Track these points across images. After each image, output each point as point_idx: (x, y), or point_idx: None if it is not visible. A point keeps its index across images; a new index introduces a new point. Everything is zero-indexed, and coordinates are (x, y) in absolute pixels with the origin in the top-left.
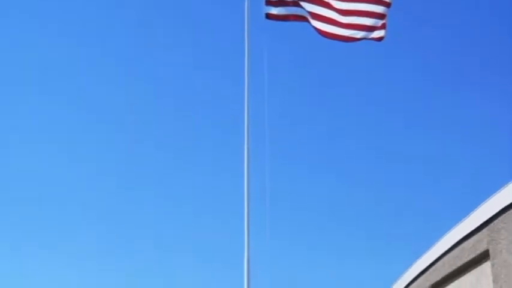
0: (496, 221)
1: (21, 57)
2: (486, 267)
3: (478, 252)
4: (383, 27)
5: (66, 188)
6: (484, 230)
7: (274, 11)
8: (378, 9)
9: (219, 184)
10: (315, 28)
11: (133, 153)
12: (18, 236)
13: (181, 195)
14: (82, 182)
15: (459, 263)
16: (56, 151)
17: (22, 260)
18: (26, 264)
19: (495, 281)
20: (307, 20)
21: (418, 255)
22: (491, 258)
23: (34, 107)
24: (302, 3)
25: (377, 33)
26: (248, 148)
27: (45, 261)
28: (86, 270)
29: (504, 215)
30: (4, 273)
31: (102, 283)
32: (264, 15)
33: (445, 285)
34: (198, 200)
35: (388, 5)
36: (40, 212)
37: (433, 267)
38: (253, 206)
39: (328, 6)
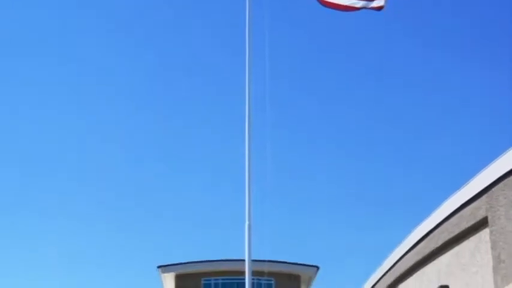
0: (494, 189)
1: None
2: (485, 234)
3: (477, 219)
4: None
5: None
6: (483, 198)
7: None
8: None
9: (221, 152)
10: None
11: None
12: (18, 200)
13: (184, 159)
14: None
15: (458, 230)
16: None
17: (23, 224)
18: (27, 228)
19: (493, 247)
20: None
21: (417, 222)
22: (489, 225)
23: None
24: None
25: (376, 3)
26: (250, 116)
27: (46, 225)
28: (88, 233)
29: (502, 182)
30: (6, 236)
31: (103, 247)
32: None
33: (444, 252)
34: (200, 166)
35: None
36: (41, 177)
37: (432, 234)
38: (255, 173)
39: None
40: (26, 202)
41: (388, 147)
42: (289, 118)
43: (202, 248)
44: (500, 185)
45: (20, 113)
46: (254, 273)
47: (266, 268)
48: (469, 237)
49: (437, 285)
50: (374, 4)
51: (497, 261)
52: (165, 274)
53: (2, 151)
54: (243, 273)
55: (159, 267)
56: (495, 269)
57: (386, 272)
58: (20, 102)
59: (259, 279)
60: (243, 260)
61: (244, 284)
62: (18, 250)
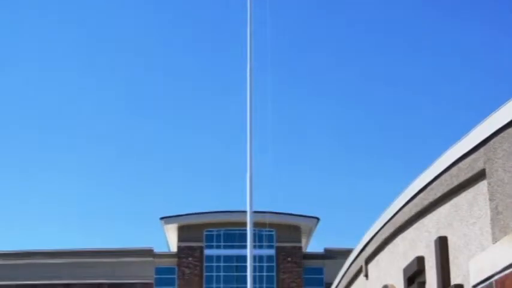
0: (492, 141)
1: None
2: (482, 185)
3: (475, 171)
4: None
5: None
6: (481, 150)
7: None
8: None
9: (223, 105)
10: None
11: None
12: (23, 156)
13: (185, 113)
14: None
15: (456, 182)
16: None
17: (28, 177)
18: (32, 182)
19: (491, 199)
20: None
21: (416, 174)
22: (487, 177)
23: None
24: None
25: None
26: (251, 69)
27: (49, 179)
28: (88, 186)
29: (500, 135)
30: (13, 191)
31: (103, 199)
32: None
33: (443, 204)
34: (202, 119)
35: None
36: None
37: (431, 186)
38: (256, 126)
39: None
40: (36, 159)
41: (387, 100)
42: (291, 71)
43: (205, 200)
44: (498, 137)
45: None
46: (255, 225)
47: (267, 219)
48: (467, 189)
49: (436, 236)
50: None
51: (495, 212)
52: (168, 225)
53: (18, 112)
54: (244, 224)
55: (162, 218)
56: (493, 221)
57: (386, 223)
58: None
59: (261, 231)
60: (245, 212)
61: (245, 235)
62: (28, 202)
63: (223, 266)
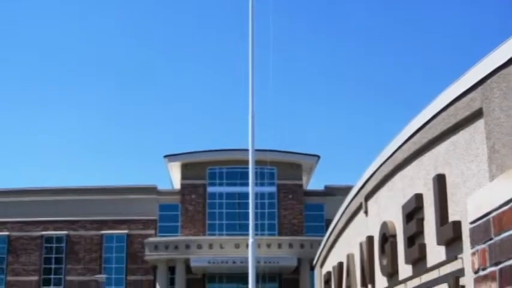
0: (489, 81)
1: None
2: (480, 124)
3: (472, 110)
4: None
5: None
6: (478, 89)
7: None
8: None
9: (225, 43)
10: None
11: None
12: (23, 90)
13: (188, 50)
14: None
15: (454, 120)
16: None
17: (31, 114)
18: (34, 118)
19: (488, 137)
20: None
21: (415, 113)
22: (484, 116)
23: None
24: None
25: None
26: (253, 6)
27: (51, 116)
28: (91, 124)
29: (497, 75)
30: (15, 128)
31: (102, 131)
32: None
33: (441, 142)
34: (205, 58)
35: None
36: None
37: (429, 125)
38: (258, 65)
39: None
40: (40, 93)
41: (388, 39)
42: (292, 8)
43: (208, 138)
44: (495, 77)
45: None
46: (257, 162)
47: (269, 157)
48: (464, 128)
49: (434, 174)
50: None
51: (492, 151)
52: (172, 163)
53: (19, 44)
54: (246, 162)
55: (165, 156)
56: (490, 159)
57: (385, 161)
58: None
59: (262, 168)
60: (247, 150)
61: (247, 172)
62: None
63: (226, 202)
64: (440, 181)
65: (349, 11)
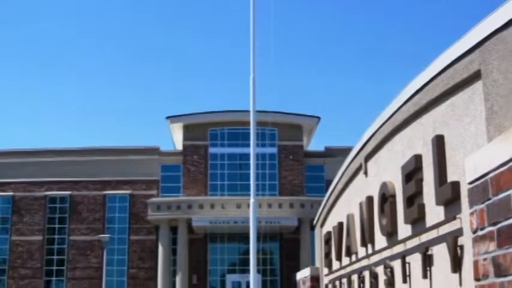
0: (487, 43)
1: None
2: (478, 86)
3: (470, 72)
4: None
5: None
6: (476, 52)
7: None
8: None
9: (227, 6)
10: None
11: None
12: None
13: (191, 15)
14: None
15: (453, 82)
16: None
17: (26, 77)
18: (30, 81)
19: (486, 99)
20: None
21: (414, 75)
22: (482, 78)
23: None
24: None
25: None
26: None
27: (55, 77)
28: (95, 86)
29: (495, 37)
30: (18, 90)
31: (101, 98)
32: None
33: (440, 103)
34: (206, 20)
35: None
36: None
37: (428, 86)
38: (259, 27)
39: None
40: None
41: (387, 3)
42: None
43: (210, 100)
44: (493, 39)
45: None
46: (258, 124)
47: (270, 118)
48: (463, 90)
49: (433, 135)
50: None
51: (490, 112)
52: (174, 124)
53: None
54: (247, 123)
55: (168, 117)
56: (488, 120)
57: (385, 122)
58: None
59: (263, 129)
60: (248, 111)
61: (248, 133)
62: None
63: (227, 163)
64: (439, 142)
65: None
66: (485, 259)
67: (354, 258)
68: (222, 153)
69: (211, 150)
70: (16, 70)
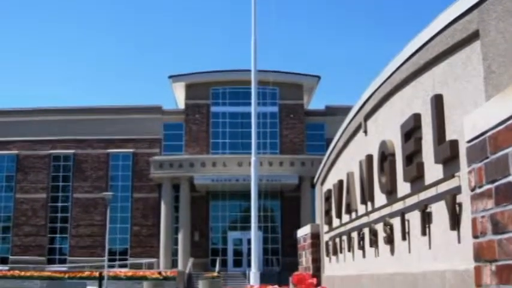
0: (485, 3)
1: None
2: (476, 46)
3: (469, 32)
4: None
5: None
6: (474, 12)
7: None
8: None
9: None
10: None
11: None
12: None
13: None
14: None
15: (451, 42)
16: None
17: (29, 35)
18: (33, 39)
19: (484, 58)
20: None
21: (413, 35)
22: (481, 37)
23: None
24: None
25: None
26: None
27: (57, 35)
28: (98, 45)
29: None
30: (21, 48)
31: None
32: None
33: (439, 63)
34: None
35: None
36: None
37: (427, 46)
38: None
39: None
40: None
41: None
42: None
43: (211, 59)
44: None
45: None
46: (259, 83)
47: (271, 78)
48: (461, 49)
49: (431, 94)
50: None
51: (488, 71)
52: (176, 84)
53: None
54: (249, 82)
55: (170, 77)
56: (486, 79)
57: (384, 81)
58: None
59: (264, 88)
60: (249, 70)
61: (250, 92)
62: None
63: (229, 122)
64: (437, 101)
65: None
66: (483, 216)
67: (353, 215)
68: (223, 112)
69: (213, 109)
70: (17, 28)
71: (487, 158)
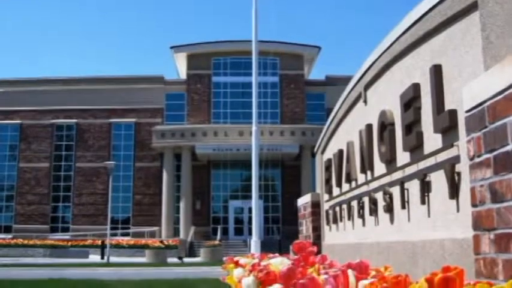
0: None
1: None
2: (475, 16)
3: (468, 2)
4: None
5: None
6: None
7: None
8: None
9: None
10: None
11: None
12: None
13: None
14: None
15: (450, 12)
16: None
17: (31, 7)
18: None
19: (483, 29)
20: None
21: (413, 5)
22: (479, 8)
23: None
24: None
25: None
26: None
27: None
28: (100, 15)
29: None
30: (25, 20)
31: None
32: None
33: (438, 34)
34: None
35: None
36: None
37: (426, 17)
38: None
39: None
40: None
41: None
42: None
43: (213, 30)
44: None
45: None
46: (260, 53)
47: (271, 48)
48: (460, 20)
49: (430, 64)
50: None
51: (487, 42)
52: (178, 54)
53: None
54: (250, 53)
55: (172, 47)
56: (484, 50)
57: (384, 52)
58: None
59: (265, 59)
60: (250, 41)
61: (251, 63)
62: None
63: (230, 92)
64: (436, 71)
65: None
66: (482, 185)
67: (353, 184)
68: (225, 82)
69: (215, 79)
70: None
71: (486, 127)
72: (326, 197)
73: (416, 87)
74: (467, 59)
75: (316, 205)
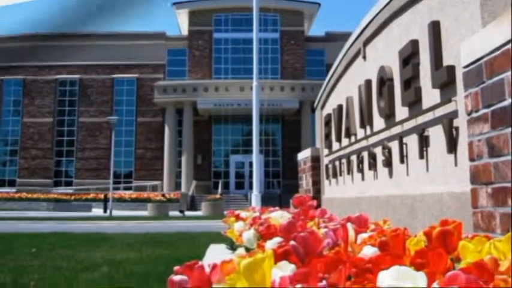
0: None
1: None
2: None
3: None
4: None
5: None
6: None
7: None
8: None
9: None
10: None
11: None
12: None
13: None
14: None
15: None
16: None
17: None
18: None
19: None
20: None
21: None
22: None
23: None
24: None
25: None
26: None
27: None
28: None
29: None
30: None
31: None
32: None
33: None
34: None
35: None
36: None
37: None
38: None
39: None
40: None
41: None
42: None
43: None
44: None
45: None
46: (261, 9)
47: (272, 4)
48: None
49: (429, 21)
50: None
51: None
52: (179, 10)
53: None
54: (250, 9)
55: (173, 3)
56: (482, 6)
57: (382, 8)
58: None
59: (266, 15)
60: None
61: (252, 19)
62: None
63: (231, 48)
64: (435, 27)
65: None
66: (479, 140)
67: (353, 139)
68: (226, 38)
69: (216, 35)
70: None
71: (483, 83)
72: (326, 151)
73: (414, 43)
74: (465, 15)
75: (316, 159)
